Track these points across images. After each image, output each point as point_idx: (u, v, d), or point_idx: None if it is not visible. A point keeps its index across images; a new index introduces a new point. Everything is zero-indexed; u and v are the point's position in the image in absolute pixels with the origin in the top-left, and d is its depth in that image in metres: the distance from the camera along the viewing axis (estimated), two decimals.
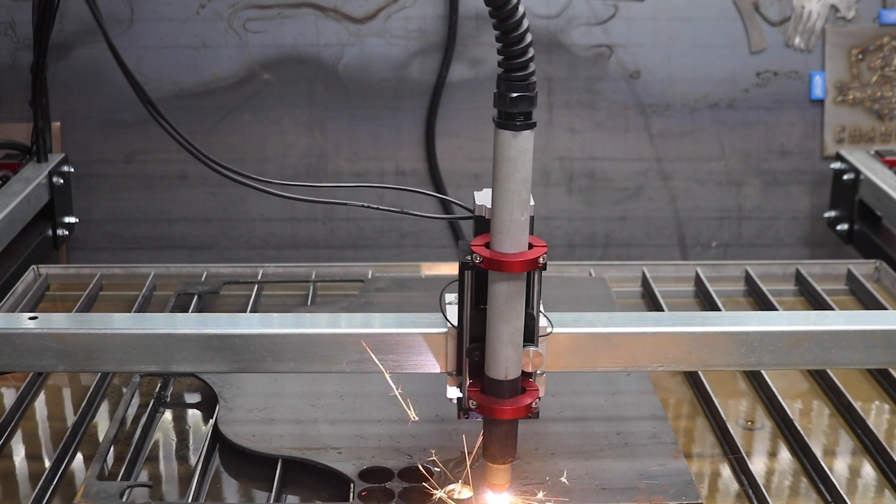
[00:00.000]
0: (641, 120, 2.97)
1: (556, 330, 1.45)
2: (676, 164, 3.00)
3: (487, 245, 1.36)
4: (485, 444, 1.44)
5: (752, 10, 2.91)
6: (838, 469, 1.68)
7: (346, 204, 1.57)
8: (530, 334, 1.40)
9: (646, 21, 2.91)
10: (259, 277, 2.27)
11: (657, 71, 2.93)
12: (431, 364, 1.48)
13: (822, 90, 2.96)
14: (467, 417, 1.45)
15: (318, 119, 2.94)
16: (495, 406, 1.40)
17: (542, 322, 1.43)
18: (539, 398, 1.42)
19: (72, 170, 2.61)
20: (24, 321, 1.48)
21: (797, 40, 2.93)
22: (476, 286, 1.39)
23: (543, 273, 1.42)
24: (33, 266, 2.31)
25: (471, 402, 1.41)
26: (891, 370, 1.91)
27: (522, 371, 1.41)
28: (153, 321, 1.51)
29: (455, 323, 1.43)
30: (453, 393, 1.47)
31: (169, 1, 2.84)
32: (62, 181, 2.53)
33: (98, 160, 2.93)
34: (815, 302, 2.23)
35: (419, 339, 1.47)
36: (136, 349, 1.47)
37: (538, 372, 1.44)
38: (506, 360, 1.39)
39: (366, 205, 1.57)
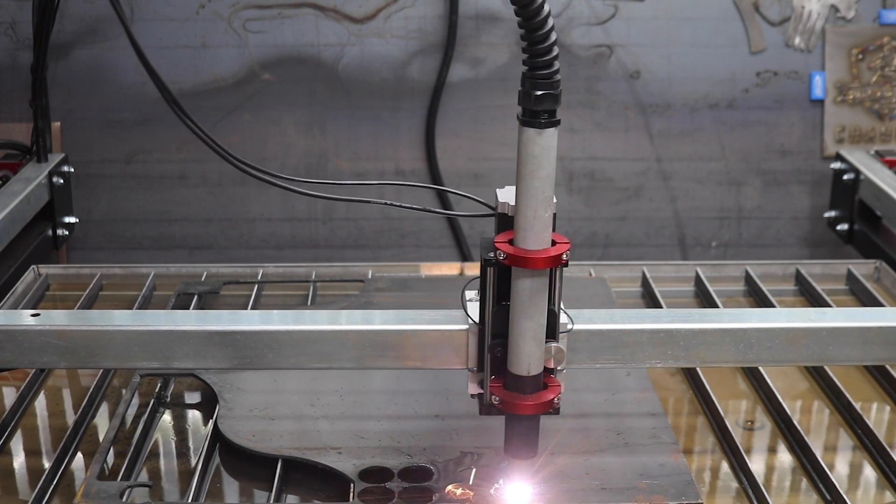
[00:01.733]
0: (641, 120, 2.97)
1: None
2: (676, 164, 3.00)
3: (511, 242, 1.36)
4: (507, 440, 1.45)
5: (752, 10, 2.91)
6: (838, 468, 1.68)
7: (369, 202, 1.58)
8: (552, 330, 1.41)
9: (646, 21, 2.91)
10: (259, 277, 2.27)
11: (657, 71, 2.94)
12: (453, 360, 1.48)
13: (822, 90, 2.96)
14: (489, 413, 1.45)
15: (318, 119, 2.94)
16: (518, 401, 1.41)
17: (563, 319, 1.44)
18: (561, 393, 1.43)
19: (72, 170, 2.61)
20: (26, 318, 1.49)
21: (797, 40, 2.93)
22: (498, 283, 1.40)
23: None
24: (33, 266, 2.31)
25: (493, 397, 1.42)
26: (890, 369, 1.91)
27: (544, 367, 1.41)
28: (154, 318, 1.52)
29: (477, 319, 1.44)
30: (475, 389, 1.47)
31: (169, 1, 2.84)
32: (62, 181, 2.53)
33: (98, 160, 2.93)
34: (816, 302, 2.23)
35: (441, 335, 1.47)
36: (138, 345, 1.48)
37: (559, 368, 1.44)
38: (528, 355, 1.39)
39: (389, 202, 1.57)
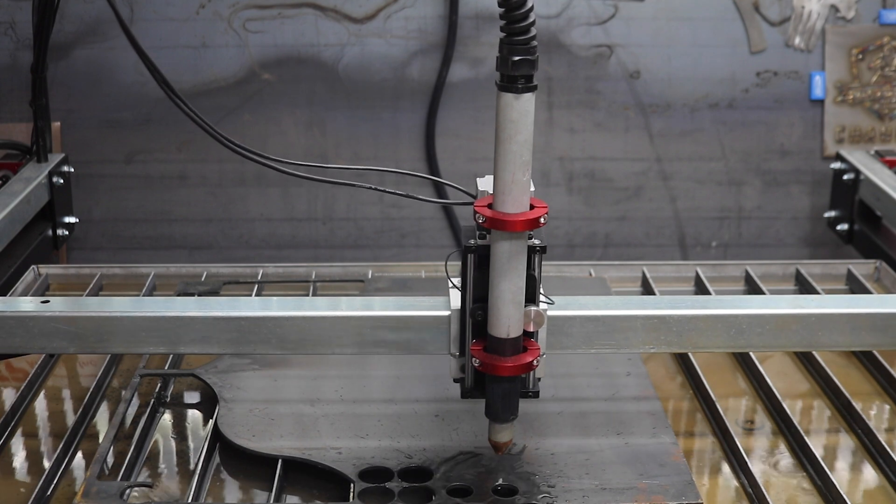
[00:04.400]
0: (641, 120, 2.97)
1: (549, 313, 1.48)
2: (676, 164, 3.00)
3: (490, 206, 1.38)
4: (488, 403, 1.47)
5: (752, 10, 2.91)
6: (838, 469, 1.68)
7: (353, 185, 1.63)
8: (531, 294, 1.43)
9: (646, 21, 2.91)
10: (259, 277, 2.27)
11: (657, 71, 2.93)
12: (435, 346, 1.51)
13: (822, 90, 2.96)
14: (471, 396, 1.47)
15: (318, 119, 2.94)
16: (498, 363, 1.43)
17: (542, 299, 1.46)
18: (541, 355, 1.45)
19: (72, 170, 2.61)
20: (36, 304, 1.52)
21: (797, 40, 2.93)
22: (478, 269, 1.42)
23: (543, 273, 1.44)
24: (33, 266, 2.31)
25: (474, 360, 1.44)
26: (889, 368, 1.91)
27: (524, 330, 1.43)
28: (161, 304, 1.55)
29: (457, 307, 1.46)
30: (457, 373, 1.50)
31: (169, 1, 2.84)
32: (62, 181, 2.53)
33: (98, 160, 2.93)
34: None
35: (423, 320, 1.50)
36: (145, 331, 1.51)
37: (540, 355, 1.46)
38: (508, 318, 1.41)
39: (373, 187, 1.62)
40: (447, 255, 1.51)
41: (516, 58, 1.29)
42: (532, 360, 1.43)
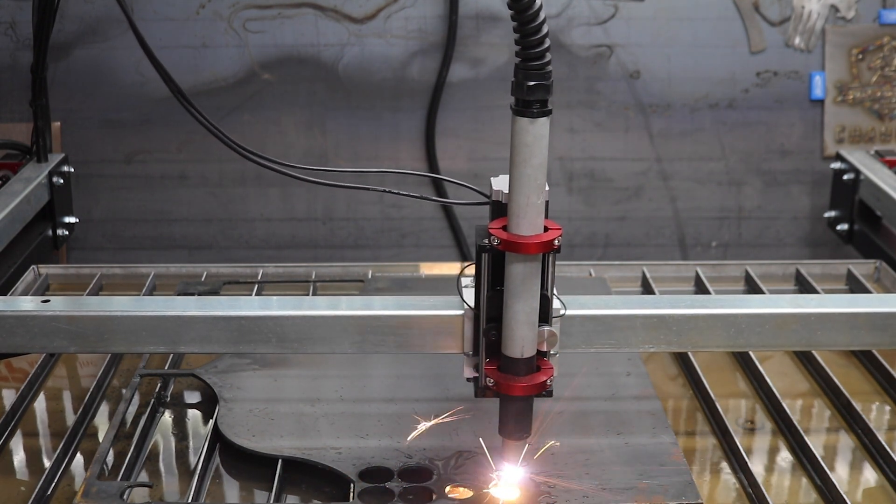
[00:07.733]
0: (641, 120, 2.97)
1: None
2: (676, 164, 3.00)
3: (504, 228, 1.39)
4: (501, 421, 1.48)
5: (752, 10, 2.91)
6: (838, 469, 1.68)
7: (367, 189, 1.64)
8: (545, 314, 1.44)
9: (646, 21, 2.91)
10: (259, 277, 2.27)
11: (657, 71, 2.94)
12: (449, 345, 1.52)
13: (822, 90, 2.96)
14: (484, 396, 1.48)
15: (318, 119, 2.94)
16: (512, 383, 1.44)
17: (556, 304, 1.47)
18: (553, 376, 1.45)
19: (72, 170, 2.61)
20: (37, 304, 1.52)
21: (797, 40, 2.93)
22: (492, 268, 1.43)
23: None
24: (33, 266, 2.31)
25: (487, 379, 1.45)
26: (890, 368, 1.91)
27: (537, 350, 1.44)
28: (162, 304, 1.55)
29: (472, 304, 1.47)
30: (470, 373, 1.50)
31: (169, 1, 2.84)
32: (62, 181, 2.53)
33: (98, 160, 2.93)
34: None
35: (437, 320, 1.51)
36: (145, 331, 1.51)
37: (552, 352, 1.47)
38: (522, 338, 1.42)
39: (385, 189, 1.62)
40: (461, 269, 1.50)
41: (531, 83, 1.30)
42: (546, 380, 1.44)
